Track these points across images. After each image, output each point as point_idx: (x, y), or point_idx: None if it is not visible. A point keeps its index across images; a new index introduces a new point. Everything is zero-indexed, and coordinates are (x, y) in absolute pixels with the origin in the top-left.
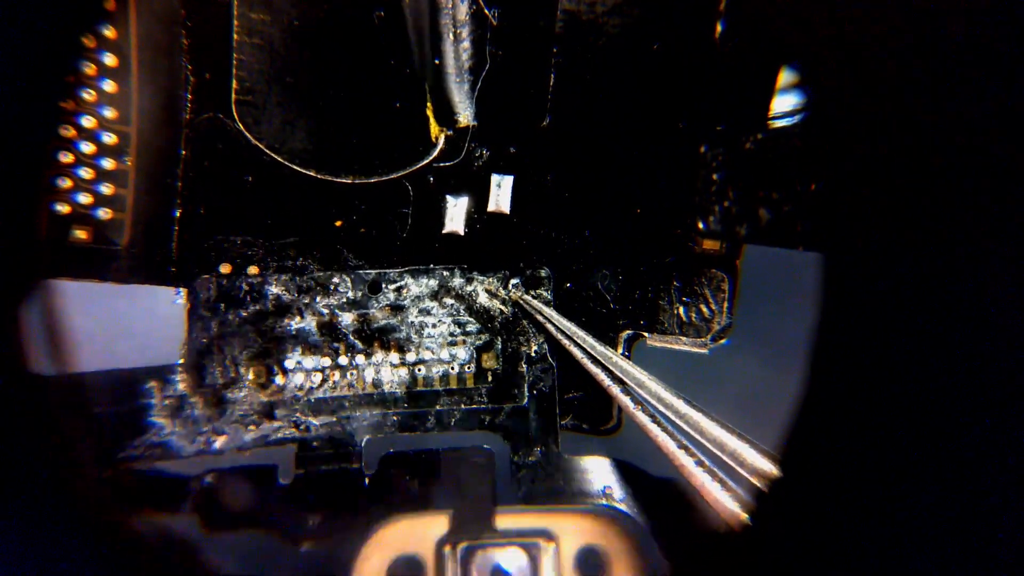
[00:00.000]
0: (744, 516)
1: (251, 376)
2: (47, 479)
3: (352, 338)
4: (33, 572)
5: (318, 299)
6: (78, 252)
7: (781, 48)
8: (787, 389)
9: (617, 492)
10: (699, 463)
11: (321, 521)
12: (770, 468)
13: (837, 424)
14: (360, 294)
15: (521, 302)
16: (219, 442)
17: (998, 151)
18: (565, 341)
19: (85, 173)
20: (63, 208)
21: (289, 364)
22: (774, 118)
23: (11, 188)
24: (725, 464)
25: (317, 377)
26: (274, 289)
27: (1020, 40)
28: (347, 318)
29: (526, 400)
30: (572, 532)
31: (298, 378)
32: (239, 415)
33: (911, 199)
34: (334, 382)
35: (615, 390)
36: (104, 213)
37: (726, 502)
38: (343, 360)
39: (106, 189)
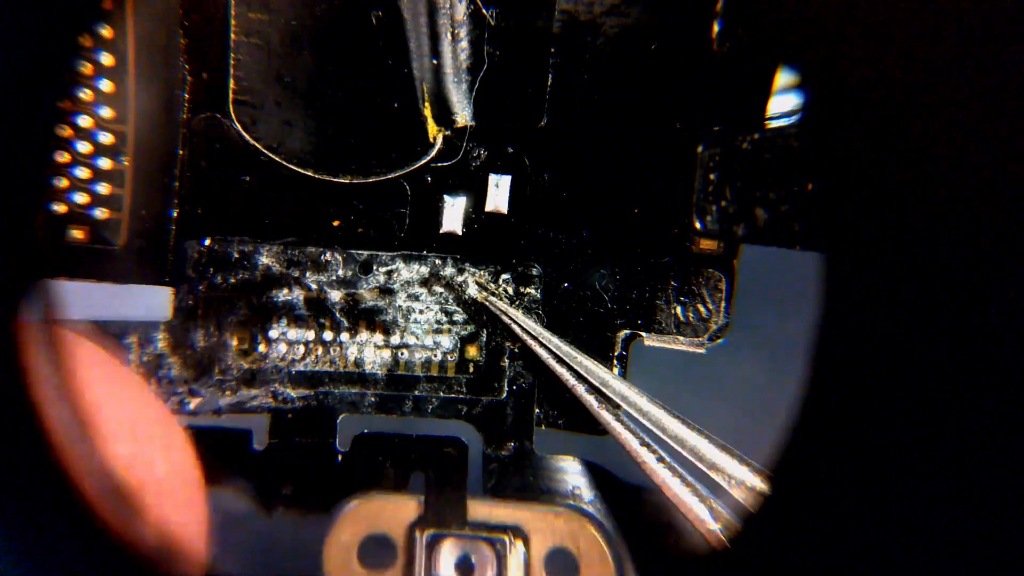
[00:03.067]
0: (721, 535)
1: (234, 342)
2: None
3: (338, 315)
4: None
5: (308, 274)
6: (75, 252)
7: (778, 48)
8: (784, 388)
9: (586, 494)
10: (660, 459)
11: (292, 491)
12: (755, 482)
13: (834, 422)
14: (351, 273)
15: (487, 304)
16: (193, 404)
17: (997, 150)
18: (530, 342)
19: (82, 173)
20: (60, 208)
21: (273, 334)
22: (771, 118)
23: (7, 187)
24: (688, 461)
25: (300, 350)
26: (264, 259)
27: (1019, 39)
28: (335, 295)
29: (505, 395)
30: (543, 531)
31: (280, 348)
32: (217, 379)
33: (909, 198)
34: (316, 356)
35: (580, 389)
36: (101, 213)
37: (687, 498)
38: (327, 336)
39: (103, 189)
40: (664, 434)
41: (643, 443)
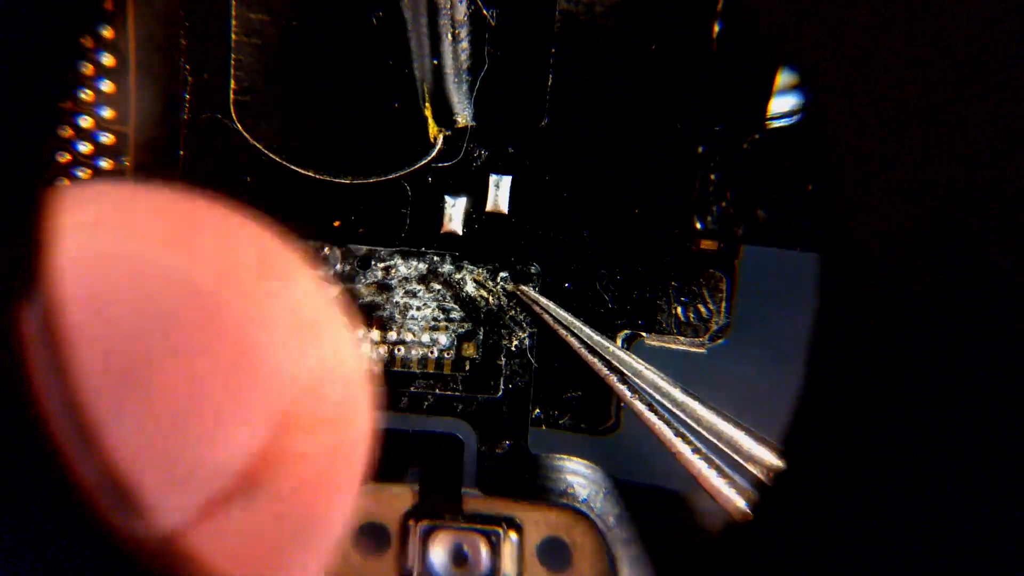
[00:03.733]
0: (743, 505)
1: None
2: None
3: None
4: None
5: None
6: None
7: (779, 48)
8: (785, 388)
9: (580, 492)
10: (696, 451)
11: None
12: (769, 456)
13: (835, 423)
14: (349, 268)
15: (519, 293)
16: None
17: (997, 150)
18: (563, 332)
19: (82, 173)
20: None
21: None
22: (772, 118)
23: (8, 188)
24: (724, 453)
25: None
26: None
27: (1021, 39)
28: (332, 290)
29: (500, 393)
30: (536, 522)
31: None
32: None
33: (909, 199)
34: None
35: (613, 379)
36: None
37: (725, 490)
38: None
39: None
40: (699, 425)
41: (677, 433)
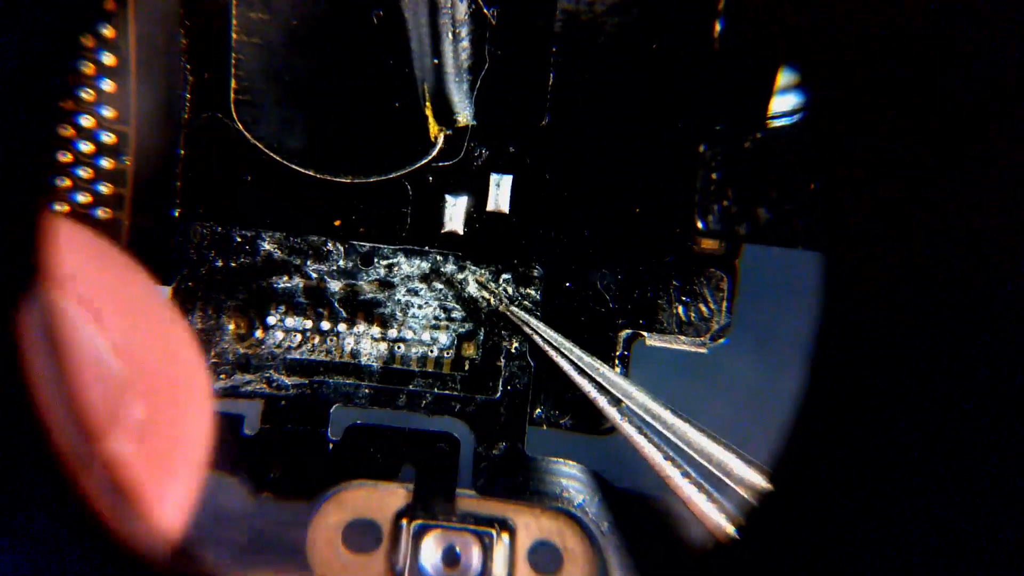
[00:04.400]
0: (730, 529)
1: (231, 326)
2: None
3: (337, 306)
4: None
5: (309, 262)
6: None
7: (780, 47)
8: (785, 388)
9: (575, 496)
10: (685, 474)
11: (281, 475)
12: (758, 480)
13: (835, 423)
14: (352, 265)
15: (508, 314)
16: None
17: (998, 149)
18: (552, 353)
19: (83, 172)
20: (62, 207)
21: (271, 320)
22: (773, 117)
23: (9, 187)
24: (713, 476)
25: (297, 338)
26: (266, 246)
27: (1020, 38)
28: (335, 286)
29: (499, 394)
30: (528, 526)
31: (277, 335)
32: (212, 362)
33: (910, 198)
34: (312, 345)
35: (602, 402)
36: (103, 213)
37: (712, 514)
38: (325, 325)
39: (105, 189)
40: (689, 448)
41: (667, 457)
